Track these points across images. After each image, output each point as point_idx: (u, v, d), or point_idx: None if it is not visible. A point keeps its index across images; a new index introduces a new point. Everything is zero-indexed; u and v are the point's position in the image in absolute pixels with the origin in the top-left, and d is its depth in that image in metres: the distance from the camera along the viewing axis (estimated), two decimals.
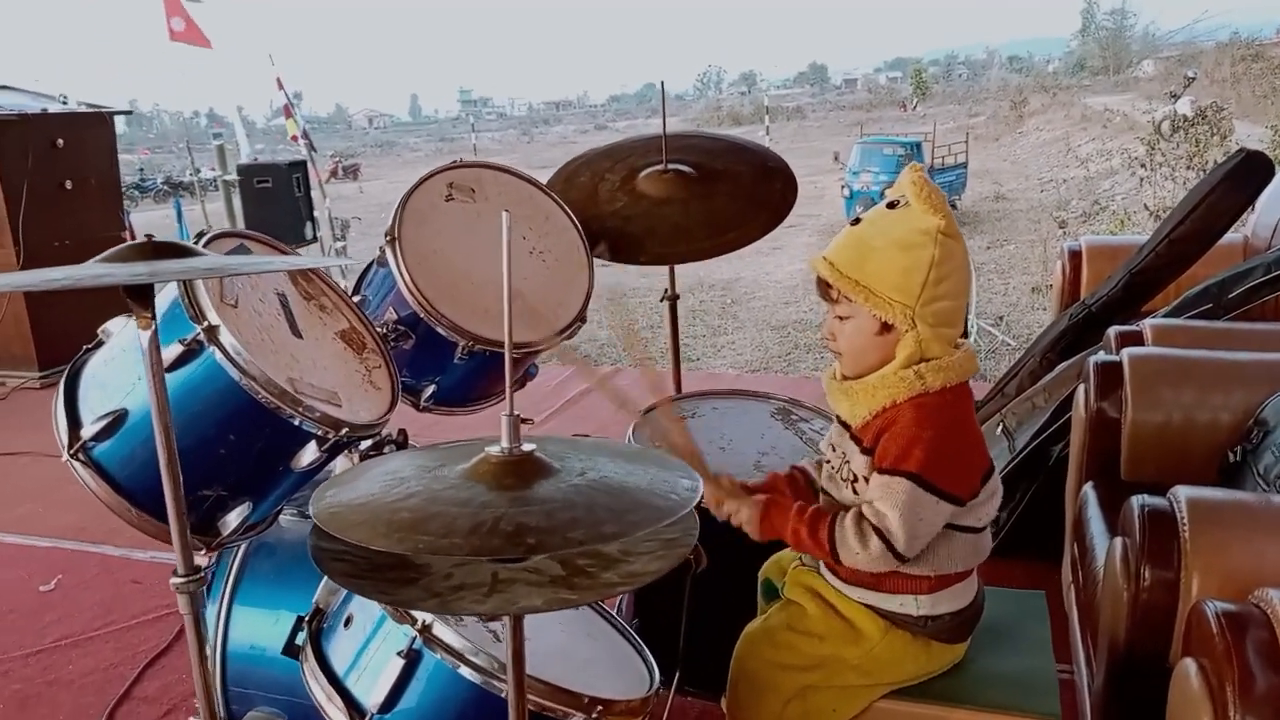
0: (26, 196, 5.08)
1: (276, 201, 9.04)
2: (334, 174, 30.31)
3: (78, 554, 3.20)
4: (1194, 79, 23.57)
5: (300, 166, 9.80)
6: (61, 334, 5.30)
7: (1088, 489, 2.22)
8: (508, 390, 1.00)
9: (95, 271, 1.11)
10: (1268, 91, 19.22)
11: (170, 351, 1.37)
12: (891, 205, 1.33)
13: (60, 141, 5.30)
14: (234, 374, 1.39)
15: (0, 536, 3.36)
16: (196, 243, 1.51)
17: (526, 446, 0.97)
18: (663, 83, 2.52)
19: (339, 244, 12.26)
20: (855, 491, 1.38)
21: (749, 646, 1.47)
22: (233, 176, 9.12)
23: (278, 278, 1.62)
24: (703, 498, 1.48)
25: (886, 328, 1.33)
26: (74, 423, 1.47)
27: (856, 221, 1.37)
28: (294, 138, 12.81)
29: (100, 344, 1.58)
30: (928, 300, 1.30)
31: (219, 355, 1.38)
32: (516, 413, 0.97)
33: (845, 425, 1.42)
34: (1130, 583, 1.51)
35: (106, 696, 2.36)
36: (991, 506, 1.39)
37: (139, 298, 1.10)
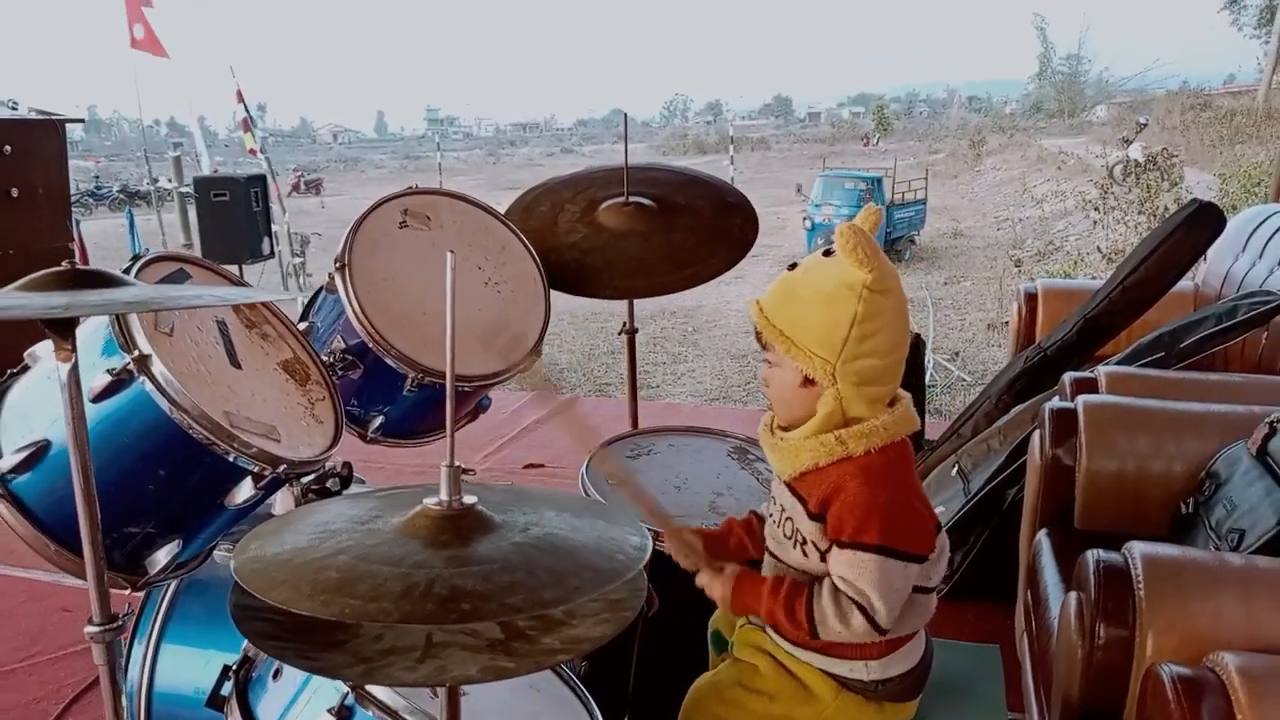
0: None
1: (233, 215, 8.89)
2: (296, 188, 29.99)
3: (4, 579, 3.06)
4: (1145, 125, 24.25)
5: (259, 181, 9.66)
6: None
7: (1041, 536, 2.22)
8: (449, 437, 0.95)
9: (9, 302, 1.04)
10: (1215, 140, 19.81)
11: (98, 381, 1.30)
12: (827, 253, 1.29)
13: (7, 148, 5.15)
14: (165, 406, 1.32)
15: None
16: (133, 265, 1.44)
17: (467, 499, 0.92)
18: (625, 115, 2.49)
19: (298, 259, 12.08)
20: (804, 554, 1.34)
21: (697, 701, 1.42)
22: (189, 188, 8.96)
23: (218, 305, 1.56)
24: (667, 547, 1.45)
25: (809, 381, 1.29)
26: None
27: (793, 266, 1.34)
28: (251, 151, 12.66)
29: (26, 369, 1.50)
30: (849, 357, 1.26)
31: (149, 386, 1.32)
32: (458, 463, 0.92)
33: (784, 480, 1.39)
34: (1085, 640, 1.49)
35: None
36: (941, 565, 1.36)
37: (60, 329, 1.04)
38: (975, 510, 2.80)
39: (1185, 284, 3.59)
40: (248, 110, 12.71)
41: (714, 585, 1.39)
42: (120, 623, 1.21)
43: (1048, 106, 51.20)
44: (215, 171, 12.33)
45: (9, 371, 1.51)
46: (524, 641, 0.88)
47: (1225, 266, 3.46)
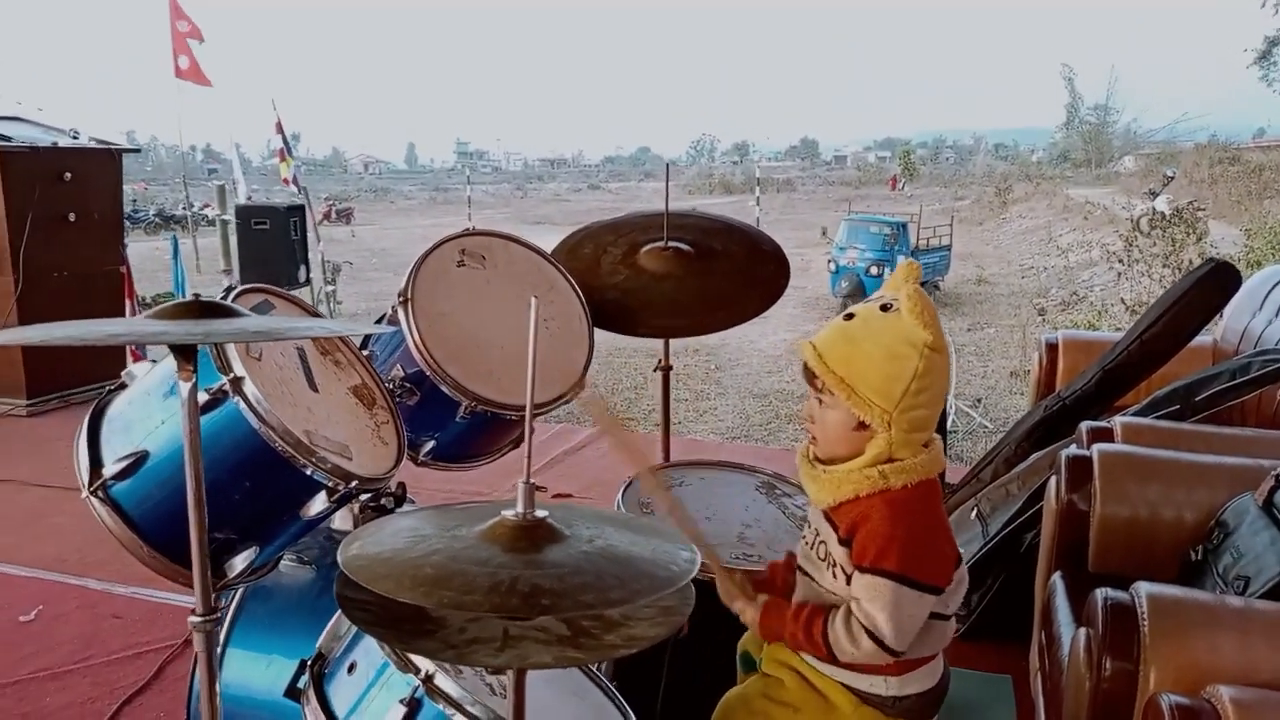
0: (30, 226, 5.15)
1: (272, 243, 9.16)
2: (327, 217, 30.53)
3: (57, 586, 3.21)
4: (1173, 178, 24.30)
5: (298, 210, 9.94)
6: (52, 365, 5.34)
7: (1056, 578, 2.31)
8: (526, 457, 1.08)
9: (152, 329, 1.19)
10: (1242, 195, 19.84)
11: (199, 399, 1.44)
12: (885, 308, 1.41)
13: (68, 175, 5.40)
14: (254, 423, 1.46)
15: None
16: (226, 295, 1.59)
17: (539, 513, 1.05)
18: (668, 165, 2.65)
19: (330, 287, 12.34)
20: (834, 576, 1.46)
21: (726, 713, 1.53)
22: (230, 217, 9.24)
23: None
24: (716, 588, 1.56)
25: (862, 425, 1.41)
26: (95, 461, 1.53)
27: (850, 316, 1.45)
28: (286, 180, 12.97)
29: (124, 386, 1.65)
30: (905, 408, 1.38)
31: (242, 405, 1.46)
32: (532, 480, 1.05)
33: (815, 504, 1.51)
34: (1092, 672, 1.59)
35: None
36: (959, 594, 1.47)
37: (184, 353, 1.18)
38: (993, 552, 2.89)
39: (1204, 339, 3.68)
40: (286, 141, 13.07)
41: (747, 612, 1.52)
42: (219, 614, 1.34)
43: (1075, 156, 51.32)
44: (250, 199, 12.67)
45: (108, 388, 1.66)
46: (588, 638, 1.00)
47: (1243, 323, 3.55)
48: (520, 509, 1.04)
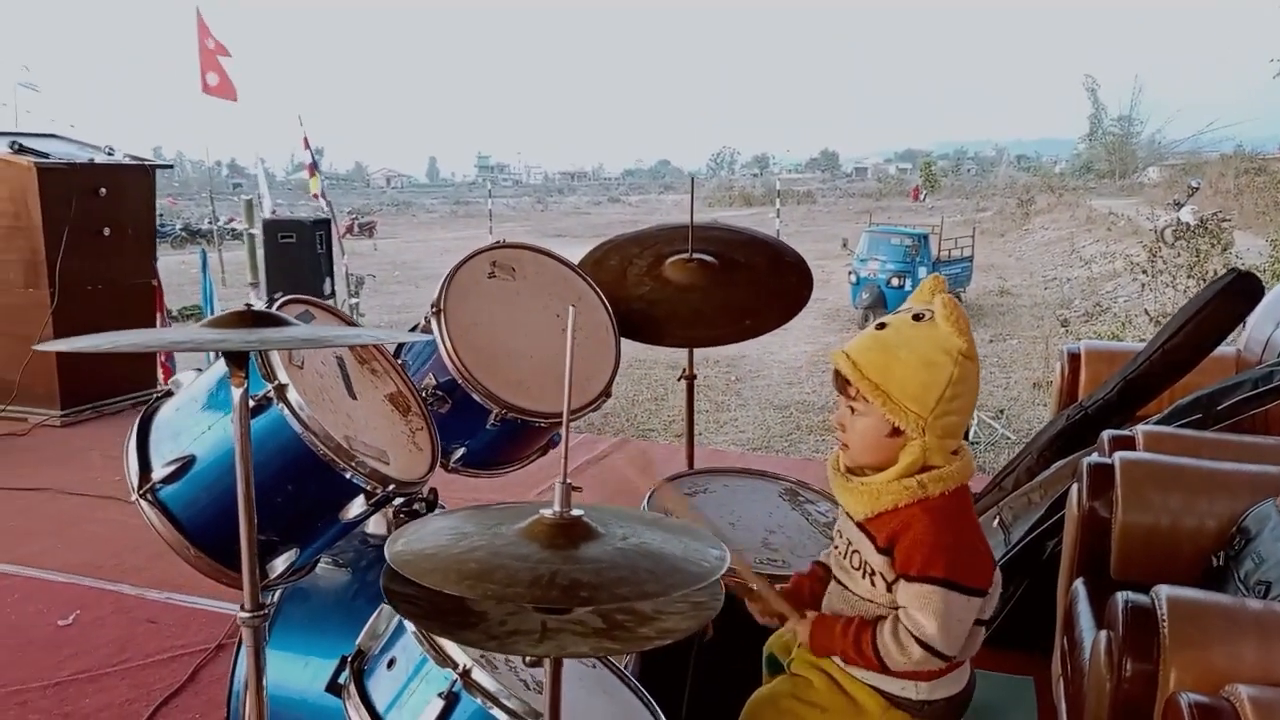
0: (66, 240, 5.28)
1: (299, 257, 9.28)
2: (350, 230, 30.82)
3: (93, 591, 3.28)
4: (1198, 188, 24.12)
5: (324, 225, 10.08)
6: (85, 375, 5.45)
7: (1078, 585, 2.33)
8: (563, 457, 1.13)
9: (210, 336, 1.25)
10: (1268, 205, 19.67)
11: None
12: (917, 317, 1.45)
13: (103, 190, 5.52)
14: (297, 428, 1.52)
15: (19, 570, 3.44)
16: (271, 304, 1.65)
17: (575, 511, 1.10)
18: (693, 178, 2.70)
19: (354, 300, 12.48)
20: (873, 584, 1.49)
21: (754, 711, 1.57)
22: (258, 231, 9.38)
23: None
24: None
25: (897, 432, 1.44)
26: (144, 465, 1.60)
27: (882, 326, 1.48)
28: (315, 195, 13.18)
29: (170, 393, 1.71)
30: (940, 414, 1.42)
31: (285, 411, 1.52)
32: (568, 481, 1.10)
33: (851, 516, 1.54)
34: (1113, 674, 1.62)
35: None
36: (995, 599, 1.51)
37: (235, 361, 1.24)
38: (1015, 560, 2.90)
39: (1228, 349, 3.68)
40: (314, 156, 13.27)
41: (800, 630, 1.55)
42: (266, 611, 1.40)
43: (1098, 167, 51.02)
44: (274, 213, 12.85)
45: (155, 395, 1.72)
46: (623, 630, 1.04)
47: (1266, 333, 3.55)
48: (557, 507, 1.09)
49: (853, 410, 1.48)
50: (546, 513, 1.09)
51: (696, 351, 2.75)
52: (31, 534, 3.78)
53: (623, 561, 1.01)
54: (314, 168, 12.92)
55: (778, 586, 1.62)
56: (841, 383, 1.48)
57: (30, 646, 2.88)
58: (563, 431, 1.21)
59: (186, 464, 1.57)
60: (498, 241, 2.29)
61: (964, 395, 1.43)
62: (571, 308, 1.14)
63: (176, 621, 3.05)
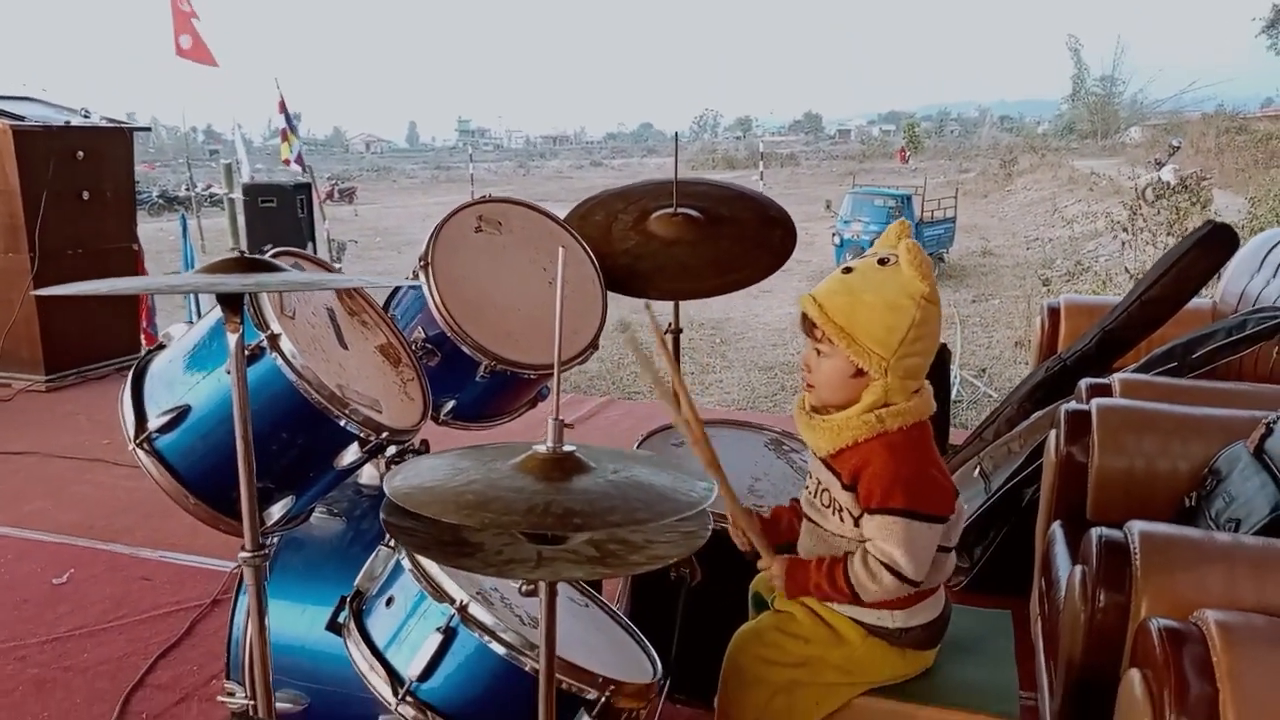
0: (45, 205, 5.23)
1: (280, 221, 9.19)
2: (330, 196, 30.51)
3: (87, 551, 3.31)
4: (1179, 148, 24.21)
5: (304, 189, 9.97)
6: (69, 340, 5.44)
7: (1055, 528, 2.39)
8: (555, 394, 1.16)
9: (207, 280, 1.27)
10: (1248, 164, 19.77)
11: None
12: (882, 261, 1.49)
13: (80, 153, 5.47)
14: (291, 377, 1.54)
15: (12, 531, 3.46)
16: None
17: (568, 447, 1.13)
18: (676, 133, 2.71)
19: (336, 266, 12.37)
20: (841, 519, 1.55)
21: (740, 644, 1.62)
22: (238, 195, 9.29)
23: (327, 294, 1.78)
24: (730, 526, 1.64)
25: (859, 373, 1.49)
26: (140, 415, 1.62)
27: (848, 270, 1.52)
28: (286, 161, 12.88)
29: (162, 346, 1.73)
30: (901, 355, 1.47)
31: (279, 360, 1.54)
32: (560, 418, 1.13)
33: (819, 456, 1.59)
34: (1087, 605, 1.68)
35: (120, 684, 2.47)
36: (959, 527, 1.56)
37: (230, 306, 1.26)
38: (995, 508, 2.97)
39: (1203, 301, 3.75)
40: (289, 120, 13.01)
41: (772, 569, 1.61)
42: (267, 551, 1.43)
43: (1080, 127, 51.00)
44: (253, 179, 12.68)
45: (148, 349, 1.74)
46: (615, 558, 1.08)
47: (1241, 285, 3.61)
48: (550, 443, 1.13)
49: (819, 352, 1.52)
50: (540, 448, 1.13)
51: (681, 313, 2.77)
52: (22, 496, 3.80)
53: (614, 492, 1.05)
54: (288, 131, 12.62)
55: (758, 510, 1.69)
56: (808, 325, 1.53)
57: (26, 604, 2.92)
58: (553, 380, 1.24)
59: (182, 414, 1.59)
60: (483, 196, 2.30)
61: (926, 338, 1.48)
62: (561, 249, 1.16)
63: (171, 579, 3.09)
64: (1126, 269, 11.59)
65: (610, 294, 2.40)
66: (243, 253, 1.37)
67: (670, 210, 2.62)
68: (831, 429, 1.52)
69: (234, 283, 1.23)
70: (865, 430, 1.49)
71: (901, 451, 1.48)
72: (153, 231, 16.76)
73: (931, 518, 1.47)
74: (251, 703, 1.69)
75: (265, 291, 1.32)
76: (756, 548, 1.63)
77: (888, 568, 1.46)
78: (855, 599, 1.52)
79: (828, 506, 1.57)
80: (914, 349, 1.47)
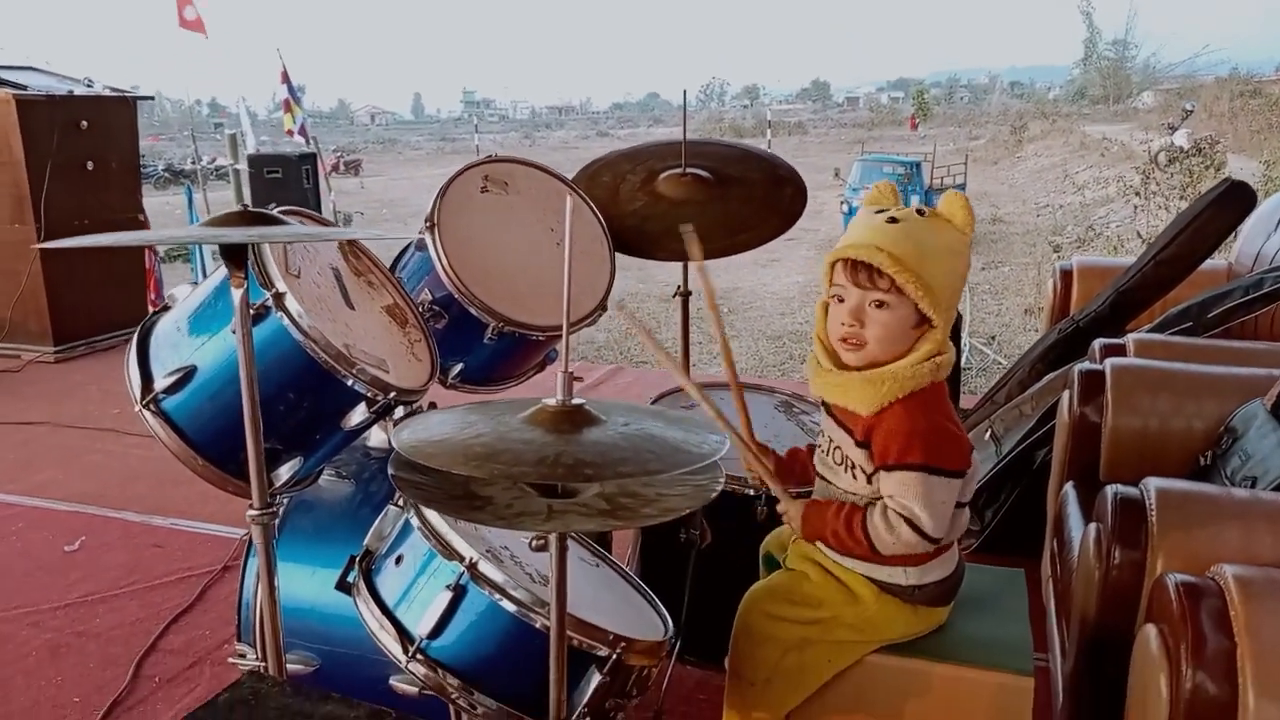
0: (49, 175, 5.21)
1: (286, 192, 9.16)
2: (335, 168, 30.39)
3: (98, 519, 3.33)
4: (1192, 112, 23.91)
5: (310, 159, 9.94)
6: (77, 311, 5.43)
7: (1068, 488, 2.37)
8: (564, 346, 1.14)
9: (210, 233, 1.25)
10: (1263, 127, 19.52)
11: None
12: (920, 212, 1.46)
13: (84, 123, 5.43)
14: (297, 336, 1.52)
15: (24, 500, 3.48)
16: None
17: (577, 400, 1.12)
18: (685, 91, 2.67)
19: None
20: (854, 477, 1.52)
21: (752, 602, 1.61)
22: (244, 166, 9.25)
23: (332, 254, 1.76)
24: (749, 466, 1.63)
25: (921, 322, 1.45)
26: (146, 376, 1.60)
27: (894, 220, 1.44)
28: (289, 132, 12.75)
29: (167, 308, 1.72)
30: (952, 304, 1.47)
31: (284, 319, 1.52)
32: (570, 370, 1.12)
33: (831, 414, 1.56)
34: (1101, 563, 1.66)
35: (133, 648, 2.49)
36: (972, 484, 1.54)
37: (234, 260, 1.24)
38: (1006, 470, 2.96)
39: (1219, 261, 3.70)
40: (291, 91, 12.87)
41: (790, 510, 1.58)
42: (274, 508, 1.42)
43: (1092, 92, 50.43)
44: (258, 151, 12.60)
45: (152, 310, 1.73)
46: (626, 511, 1.07)
47: (1257, 246, 3.56)
48: (560, 396, 1.11)
49: (879, 304, 1.45)
50: (550, 401, 1.11)
51: (691, 279, 2.75)
52: (33, 465, 3.81)
53: (625, 444, 1.03)
54: (291, 102, 12.49)
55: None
56: (870, 276, 1.43)
57: (39, 571, 2.93)
58: (562, 341, 1.22)
59: (188, 374, 1.58)
60: (489, 155, 2.27)
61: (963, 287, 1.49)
62: (569, 196, 1.14)
63: (182, 546, 3.10)
64: (1139, 234, 11.50)
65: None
66: (246, 206, 1.35)
67: (679, 170, 2.58)
68: (881, 383, 1.44)
69: (237, 235, 1.21)
70: (918, 381, 1.45)
71: (916, 407, 1.45)
72: (159, 205, 16.73)
73: (950, 472, 1.45)
74: (263, 664, 1.69)
75: (269, 243, 1.30)
76: (772, 489, 1.60)
77: (907, 521, 1.44)
78: (871, 552, 1.49)
79: (840, 464, 1.55)
80: (959, 297, 1.48)
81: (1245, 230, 3.65)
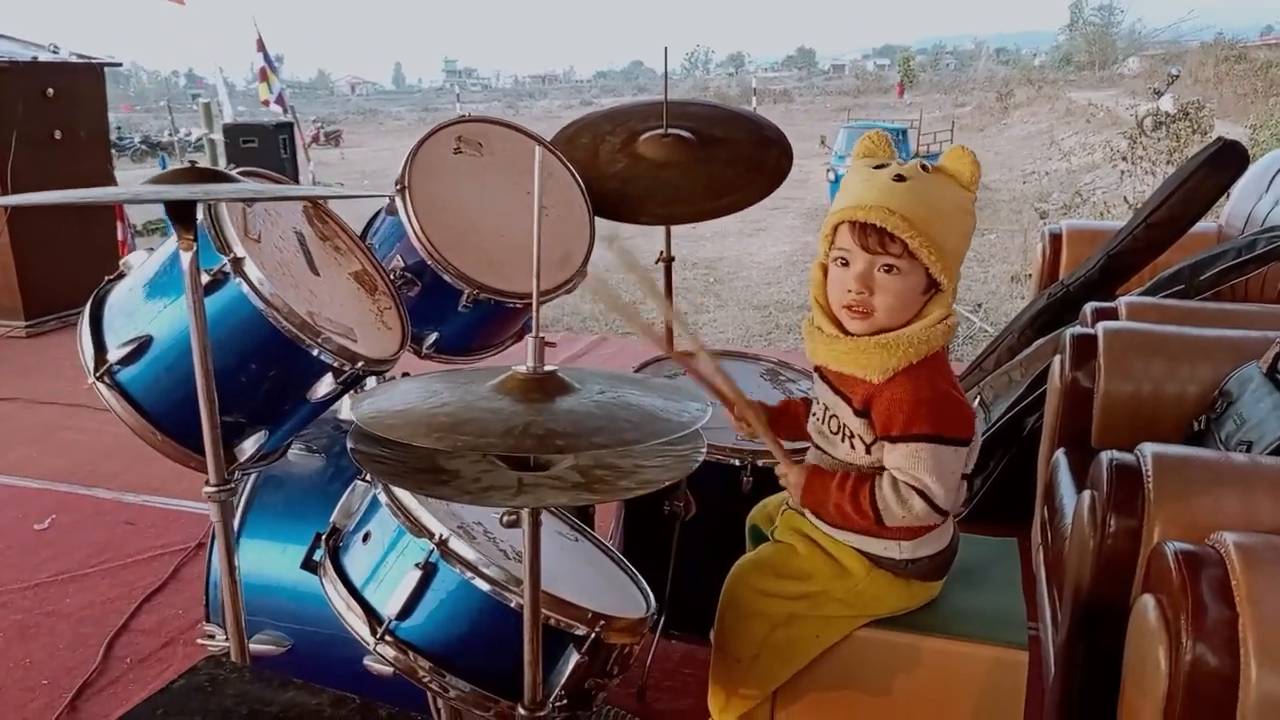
0: (16, 145, 5.06)
1: (263, 162, 9.01)
2: (315, 140, 29.97)
3: (70, 496, 3.25)
4: (1178, 77, 23.83)
5: (287, 128, 9.78)
6: (48, 285, 5.31)
7: (1059, 455, 2.33)
8: (534, 311, 1.07)
9: (151, 190, 1.17)
10: (1248, 92, 19.47)
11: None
12: (924, 168, 1.37)
13: (50, 91, 5.29)
14: (258, 304, 1.45)
15: None
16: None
17: (549, 367, 1.05)
18: (666, 49, 2.58)
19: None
20: (852, 446, 1.44)
21: (739, 576, 1.55)
22: (218, 136, 9.09)
23: (297, 218, 1.68)
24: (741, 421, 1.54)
25: (931, 286, 1.38)
26: (99, 347, 1.53)
27: (900, 179, 1.34)
28: (265, 102, 12.51)
29: (122, 275, 1.63)
30: (959, 265, 1.39)
31: (244, 286, 1.44)
32: (541, 335, 1.05)
33: (826, 380, 1.48)
34: (1096, 531, 1.61)
35: (105, 628, 2.42)
36: (975, 454, 1.47)
37: (182, 220, 1.16)
38: (996, 437, 2.91)
39: (1209, 224, 3.65)
40: (268, 59, 12.61)
41: (791, 474, 1.48)
42: (232, 484, 1.35)
43: (1078, 58, 50.26)
44: (235, 120, 12.36)
45: (107, 279, 1.64)
46: (602, 484, 1.01)
47: (1248, 207, 3.51)
48: (531, 363, 1.04)
49: (890, 269, 1.36)
50: (520, 368, 1.04)
51: (674, 252, 2.67)
52: (6, 443, 3.72)
53: (600, 413, 0.97)
54: (267, 70, 12.24)
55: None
56: (882, 240, 1.34)
57: (7, 551, 2.86)
58: (532, 293, 1.15)
59: (143, 344, 1.50)
60: (462, 115, 2.18)
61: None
62: (538, 148, 1.06)
63: (155, 523, 3.03)
64: (1126, 199, 11.44)
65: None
66: (193, 163, 1.26)
67: (660, 131, 2.50)
68: (896, 347, 1.36)
69: (181, 191, 1.13)
70: (929, 346, 1.37)
71: (918, 374, 1.38)
72: (135, 177, 16.46)
73: (958, 441, 1.38)
74: (229, 646, 1.63)
75: (217, 201, 1.21)
76: (772, 451, 1.51)
77: (920, 493, 1.36)
78: (876, 522, 1.41)
79: (836, 433, 1.47)
80: (963, 258, 1.40)
81: (1236, 192, 3.60)
